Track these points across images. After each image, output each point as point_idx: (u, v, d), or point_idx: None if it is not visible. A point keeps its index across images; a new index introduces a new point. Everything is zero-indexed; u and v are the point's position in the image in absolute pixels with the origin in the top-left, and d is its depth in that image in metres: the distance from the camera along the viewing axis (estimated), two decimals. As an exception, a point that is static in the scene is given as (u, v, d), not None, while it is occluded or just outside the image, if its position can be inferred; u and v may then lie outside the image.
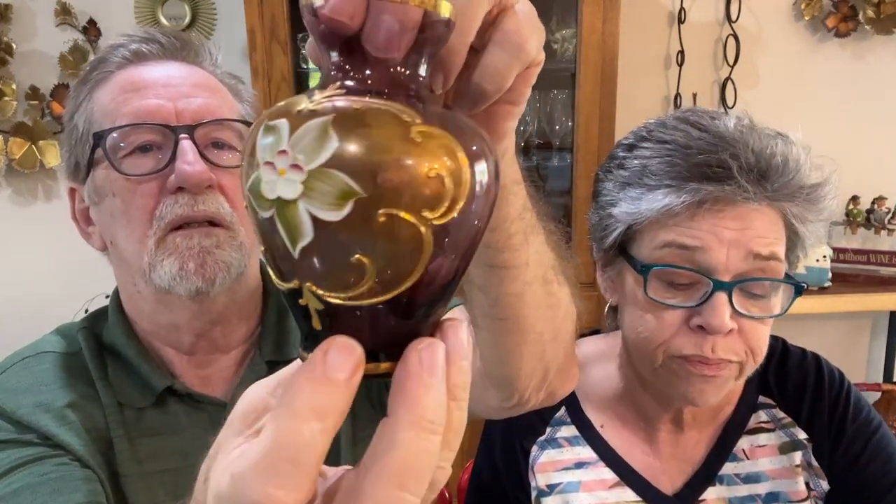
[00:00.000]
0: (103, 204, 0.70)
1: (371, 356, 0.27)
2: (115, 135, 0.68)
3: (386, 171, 0.25)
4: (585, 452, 0.85)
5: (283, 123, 0.26)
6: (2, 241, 2.19)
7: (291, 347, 0.77)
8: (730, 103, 2.19)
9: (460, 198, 0.26)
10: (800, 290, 0.75)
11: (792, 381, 0.85)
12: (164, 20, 2.10)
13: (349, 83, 0.27)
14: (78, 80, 0.74)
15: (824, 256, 2.03)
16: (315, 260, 0.26)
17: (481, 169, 0.27)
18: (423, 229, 0.26)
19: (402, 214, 0.25)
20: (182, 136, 0.67)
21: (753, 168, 0.71)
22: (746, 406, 0.85)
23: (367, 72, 0.28)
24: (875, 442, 0.81)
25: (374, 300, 0.26)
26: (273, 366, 0.75)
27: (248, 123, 0.75)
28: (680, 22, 2.15)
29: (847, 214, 2.20)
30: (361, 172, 0.24)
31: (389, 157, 0.25)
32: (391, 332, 0.27)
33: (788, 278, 0.75)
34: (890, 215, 2.17)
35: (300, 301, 0.27)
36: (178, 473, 0.69)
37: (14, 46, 2.07)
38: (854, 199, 2.19)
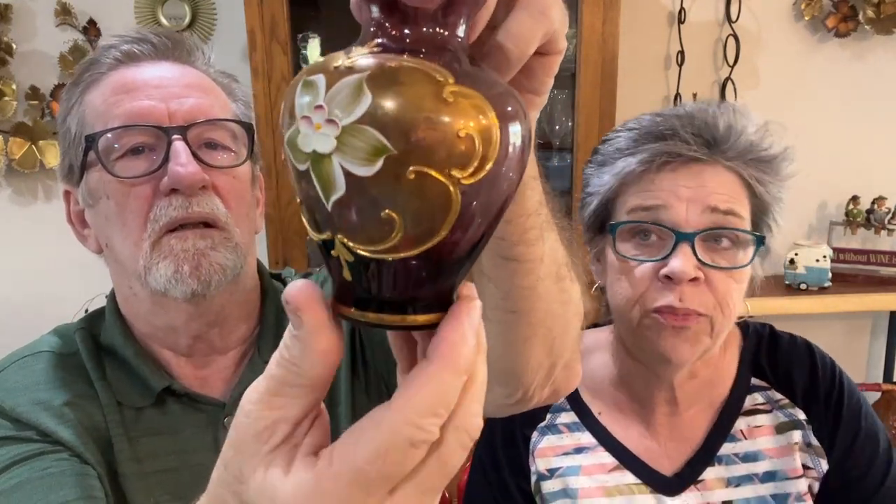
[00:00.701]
0: (98, 206, 0.70)
1: (398, 308, 0.29)
2: (107, 137, 0.67)
3: (417, 129, 0.25)
4: (585, 438, 0.88)
5: (320, 79, 0.26)
6: (2, 241, 2.19)
7: None
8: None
9: (490, 158, 0.26)
10: (761, 241, 0.81)
11: (783, 363, 0.88)
12: (164, 20, 2.10)
13: (386, 41, 0.28)
14: (70, 83, 0.74)
15: (824, 256, 2.03)
16: (346, 213, 0.27)
17: (514, 130, 0.27)
18: (451, 188, 0.26)
19: (432, 172, 0.26)
20: (175, 137, 0.67)
21: (701, 133, 0.80)
22: (741, 388, 0.87)
23: (405, 31, 0.28)
24: (867, 426, 0.85)
25: (402, 255, 0.27)
26: None
27: (241, 123, 0.74)
28: (680, 22, 2.15)
29: (847, 214, 2.20)
30: (393, 129, 0.25)
31: (421, 116, 0.25)
32: (417, 287, 0.28)
33: (754, 233, 0.81)
34: (890, 215, 2.17)
35: (332, 252, 0.28)
36: (177, 473, 0.69)
37: (14, 46, 2.06)
38: (854, 199, 2.19)
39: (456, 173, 0.26)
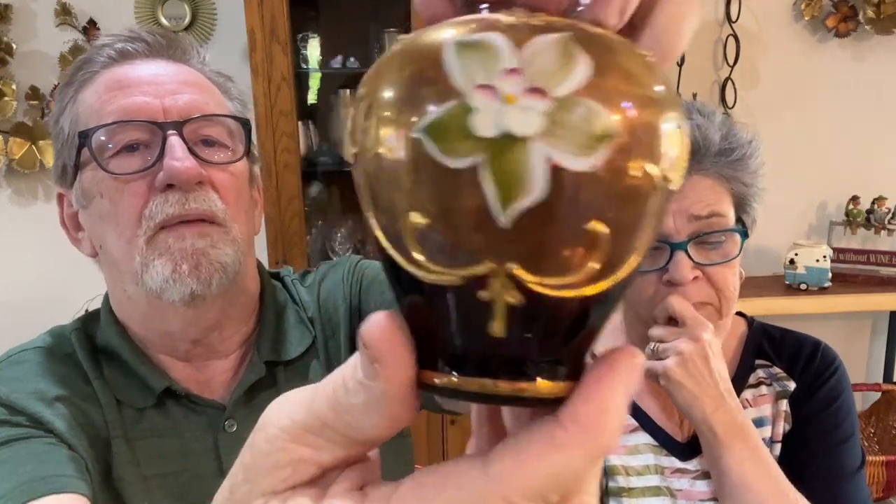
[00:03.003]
0: (91, 207, 0.69)
1: (519, 372, 0.21)
2: (101, 134, 0.66)
3: (644, 108, 0.19)
4: None
5: (495, 38, 0.19)
6: (2, 241, 2.19)
7: (289, 346, 0.76)
8: (730, 103, 2.19)
9: (685, 158, 0.21)
10: (745, 235, 0.88)
11: (788, 349, 0.95)
12: (164, 20, 2.10)
13: (525, 11, 0.21)
14: (62, 83, 0.73)
15: (824, 256, 2.03)
16: (535, 228, 0.19)
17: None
18: (660, 193, 0.20)
19: (652, 170, 0.19)
20: (170, 132, 0.66)
21: None
22: (745, 367, 0.94)
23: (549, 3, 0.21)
24: (838, 414, 0.90)
25: (589, 291, 0.20)
26: (271, 366, 0.74)
27: (238, 119, 0.73)
28: (680, 22, 2.15)
29: (847, 214, 2.20)
30: (618, 107, 0.19)
31: (644, 94, 0.19)
32: (568, 339, 0.21)
33: (735, 228, 0.88)
34: (890, 215, 2.17)
35: (480, 295, 0.20)
36: (176, 477, 0.69)
37: (14, 46, 2.07)
38: (854, 199, 2.19)
39: (668, 174, 0.20)
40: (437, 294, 0.20)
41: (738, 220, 0.88)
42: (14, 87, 2.07)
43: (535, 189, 0.18)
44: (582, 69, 0.19)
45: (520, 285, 0.19)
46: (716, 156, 0.85)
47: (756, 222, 0.90)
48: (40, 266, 2.15)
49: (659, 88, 0.20)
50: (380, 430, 0.22)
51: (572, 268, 0.19)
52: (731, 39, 2.16)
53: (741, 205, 0.88)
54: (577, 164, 0.18)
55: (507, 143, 0.18)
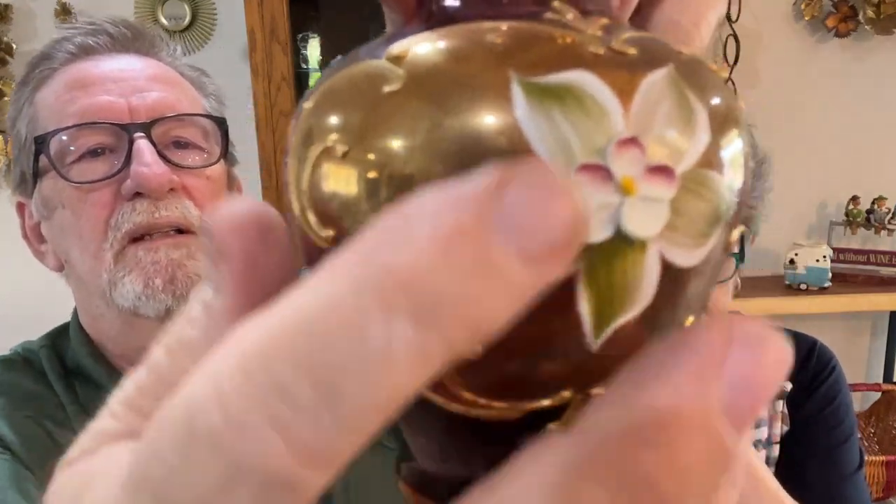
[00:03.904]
0: (53, 218, 0.63)
1: None
2: (61, 138, 0.60)
3: (749, 163, 0.15)
4: None
5: (591, 83, 0.12)
6: (1, 241, 2.19)
7: None
8: (730, 103, 2.19)
9: None
10: (740, 259, 0.85)
11: None
12: (164, 20, 2.10)
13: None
14: (18, 81, 0.67)
15: (824, 256, 2.03)
16: (629, 342, 0.13)
17: None
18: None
19: (733, 235, 0.15)
20: (137, 135, 0.60)
21: None
22: None
23: None
24: (838, 413, 0.91)
25: None
26: None
27: (213, 118, 0.67)
28: (680, 22, 2.15)
29: (847, 214, 2.20)
30: (736, 171, 0.14)
31: (750, 143, 0.15)
32: None
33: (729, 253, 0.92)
34: (890, 215, 2.17)
35: (550, 427, 0.13)
36: None
37: (14, 46, 2.06)
38: (854, 199, 2.19)
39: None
40: (479, 430, 0.14)
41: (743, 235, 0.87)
42: (14, 87, 2.07)
43: (643, 300, 0.13)
44: (703, 126, 0.13)
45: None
46: None
47: (754, 240, 0.89)
48: (40, 266, 2.14)
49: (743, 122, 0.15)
50: None
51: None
52: (731, 39, 2.16)
53: (747, 223, 0.87)
54: (692, 258, 0.13)
55: (618, 248, 0.12)
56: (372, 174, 0.13)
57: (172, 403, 0.11)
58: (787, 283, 2.05)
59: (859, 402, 2.16)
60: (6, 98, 2.06)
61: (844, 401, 0.92)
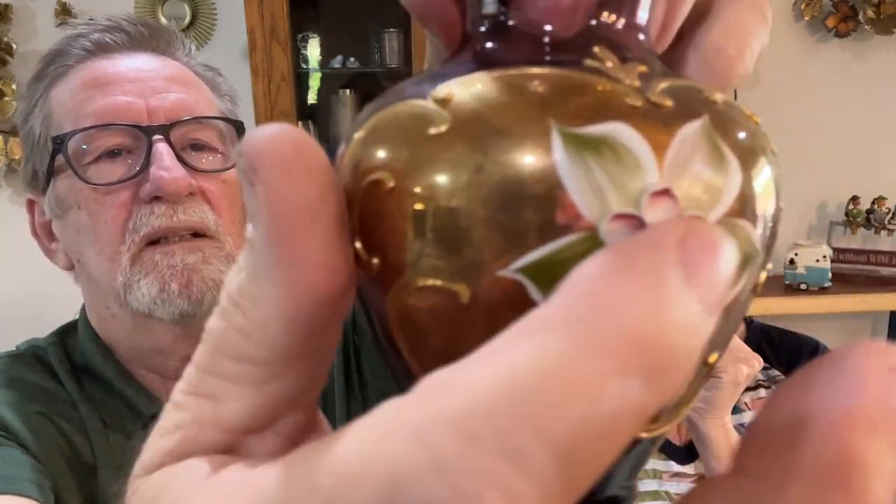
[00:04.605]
0: (67, 217, 0.62)
1: None
2: (78, 139, 0.60)
3: (780, 204, 0.16)
4: None
5: (628, 135, 0.13)
6: (1, 241, 2.19)
7: None
8: (730, 103, 2.19)
9: None
10: None
11: (787, 351, 0.97)
12: (164, 20, 2.10)
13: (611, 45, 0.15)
14: (32, 77, 0.65)
15: (824, 256, 2.03)
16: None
17: None
18: None
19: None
20: (156, 137, 0.59)
21: None
22: None
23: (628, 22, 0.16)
24: None
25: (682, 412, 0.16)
26: None
27: (229, 121, 0.67)
28: (680, 22, 2.16)
29: (847, 214, 2.20)
30: (764, 219, 0.15)
31: (778, 191, 0.16)
32: (631, 471, 0.17)
33: None
34: (890, 215, 2.17)
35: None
36: None
37: (14, 46, 2.07)
38: (854, 199, 2.19)
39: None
40: None
41: None
42: (14, 87, 2.07)
43: None
44: (735, 177, 0.14)
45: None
46: None
47: None
48: (40, 266, 2.14)
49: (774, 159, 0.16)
50: (282, 324, 0.13)
51: (684, 405, 0.16)
52: (731, 39, 2.17)
53: None
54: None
55: None
56: (418, 207, 0.14)
57: (345, 464, 0.10)
58: (787, 283, 2.06)
59: (859, 402, 2.16)
60: (6, 98, 2.06)
61: None
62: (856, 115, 2.22)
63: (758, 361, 0.76)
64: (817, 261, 2.02)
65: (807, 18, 2.16)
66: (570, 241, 0.13)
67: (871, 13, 2.12)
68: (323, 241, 0.13)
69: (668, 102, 0.14)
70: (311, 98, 2.14)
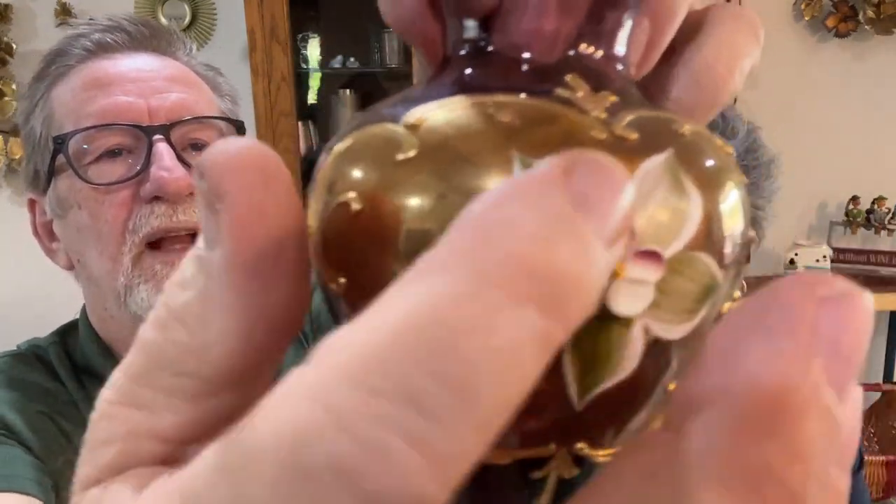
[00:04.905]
0: (68, 217, 0.63)
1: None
2: (78, 138, 0.60)
3: (746, 240, 0.16)
4: None
5: None
6: (1, 241, 2.19)
7: (283, 364, 0.73)
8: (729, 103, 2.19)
9: None
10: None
11: None
12: (164, 20, 2.10)
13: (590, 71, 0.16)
14: (33, 77, 0.66)
15: (824, 256, 2.03)
16: (613, 406, 0.15)
17: None
18: None
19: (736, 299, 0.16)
20: (156, 137, 0.60)
21: None
22: None
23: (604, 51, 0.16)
24: None
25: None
26: None
27: (230, 121, 0.67)
28: (680, 22, 2.16)
29: (847, 214, 2.20)
30: (723, 252, 0.15)
31: (749, 218, 0.16)
32: None
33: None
34: (890, 215, 2.17)
35: (533, 474, 0.15)
36: None
37: (14, 46, 2.07)
38: (854, 199, 2.19)
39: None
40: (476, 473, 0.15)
41: None
42: (14, 86, 2.07)
43: (626, 369, 0.14)
44: (696, 211, 0.14)
45: (578, 459, 0.16)
46: None
47: (760, 244, 0.86)
48: (40, 266, 2.14)
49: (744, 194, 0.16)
50: (230, 347, 0.13)
51: (642, 430, 0.16)
52: (731, 39, 2.17)
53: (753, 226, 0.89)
54: (677, 332, 0.14)
55: (602, 323, 0.13)
56: (385, 230, 0.14)
57: (250, 440, 0.10)
58: (787, 283, 2.06)
59: (859, 402, 2.16)
60: (6, 98, 2.06)
61: None
62: (856, 115, 2.22)
63: None
64: (817, 261, 2.02)
65: (807, 18, 2.16)
66: None
67: (871, 13, 2.12)
68: (285, 275, 0.13)
69: (633, 136, 0.14)
70: (311, 98, 2.14)
